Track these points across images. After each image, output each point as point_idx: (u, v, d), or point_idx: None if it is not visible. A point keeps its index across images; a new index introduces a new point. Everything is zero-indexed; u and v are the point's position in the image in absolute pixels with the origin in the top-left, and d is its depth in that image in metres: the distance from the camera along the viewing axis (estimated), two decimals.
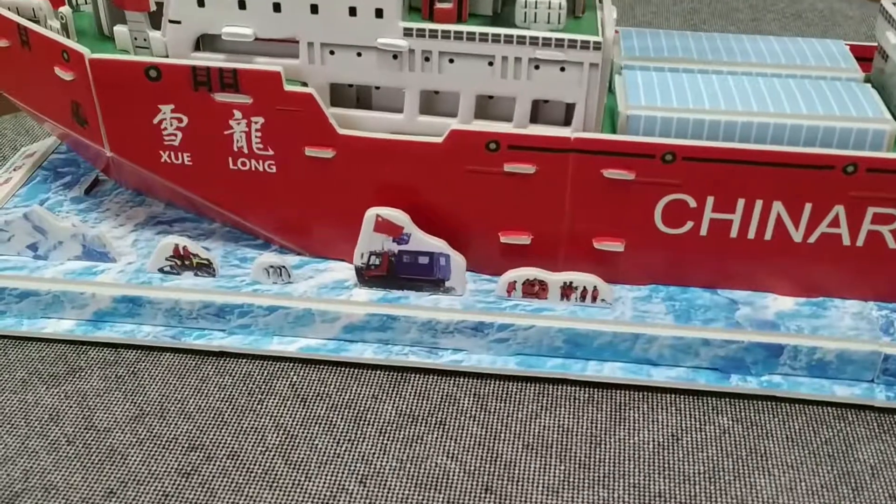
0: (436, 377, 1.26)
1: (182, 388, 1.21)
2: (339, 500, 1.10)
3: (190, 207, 1.37)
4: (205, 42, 1.15)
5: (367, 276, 1.26)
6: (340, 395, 1.23)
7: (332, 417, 1.20)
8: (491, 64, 1.14)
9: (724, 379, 1.23)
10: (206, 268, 1.28)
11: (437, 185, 1.17)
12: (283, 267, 1.27)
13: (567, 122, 1.17)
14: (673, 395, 1.24)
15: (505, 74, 1.14)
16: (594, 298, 1.24)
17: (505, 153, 1.15)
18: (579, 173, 1.17)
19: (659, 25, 2.28)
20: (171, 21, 1.13)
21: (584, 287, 1.23)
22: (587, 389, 1.25)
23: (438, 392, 1.24)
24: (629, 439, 1.18)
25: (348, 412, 1.21)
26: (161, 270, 1.29)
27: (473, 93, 1.15)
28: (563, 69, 1.15)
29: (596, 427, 1.20)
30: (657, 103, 1.20)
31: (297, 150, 1.17)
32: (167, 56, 1.16)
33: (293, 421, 1.20)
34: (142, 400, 1.22)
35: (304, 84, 1.15)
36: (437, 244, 1.23)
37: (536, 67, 1.16)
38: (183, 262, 1.28)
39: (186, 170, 1.22)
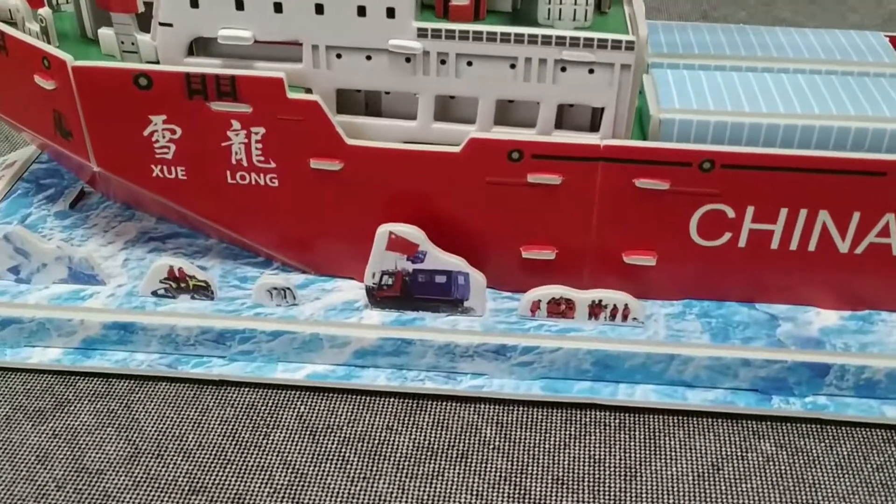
0: (455, 405, 1.17)
1: (180, 422, 1.13)
2: None
3: (184, 222, 1.27)
4: (199, 46, 1.06)
5: (378, 297, 1.16)
6: (352, 426, 1.14)
7: (345, 452, 1.11)
8: (513, 66, 1.04)
9: (765, 401, 1.14)
10: (203, 290, 1.18)
11: (455, 198, 1.10)
12: (288, 288, 1.17)
13: (593, 127, 1.08)
14: (711, 420, 1.15)
15: (528, 77, 1.04)
16: (625, 317, 1.15)
17: (529, 163, 1.07)
18: (609, 183, 1.09)
19: (667, 11, 2.18)
20: (161, 24, 1.03)
21: (615, 305, 1.14)
22: (618, 415, 1.16)
23: (458, 421, 1.15)
24: (666, 470, 1.09)
25: (362, 446, 1.12)
26: (155, 294, 1.19)
27: (493, 98, 1.06)
28: (591, 71, 1.06)
29: (630, 457, 1.11)
30: (692, 105, 1.10)
31: (301, 162, 1.09)
32: (158, 62, 1.07)
33: (302, 457, 1.10)
34: (137, 437, 1.12)
35: (309, 90, 1.07)
36: (454, 262, 1.13)
37: (563, 69, 1.06)
38: (178, 285, 1.18)
39: (180, 185, 1.12)
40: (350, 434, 1.13)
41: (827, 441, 1.13)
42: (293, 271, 1.22)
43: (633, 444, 1.13)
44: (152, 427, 1.14)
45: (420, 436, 1.13)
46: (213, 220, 1.18)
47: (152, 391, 1.16)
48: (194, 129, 1.07)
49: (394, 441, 1.12)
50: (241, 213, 1.14)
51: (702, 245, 1.14)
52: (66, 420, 1.12)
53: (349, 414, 1.16)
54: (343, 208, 1.12)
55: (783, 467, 1.10)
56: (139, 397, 1.15)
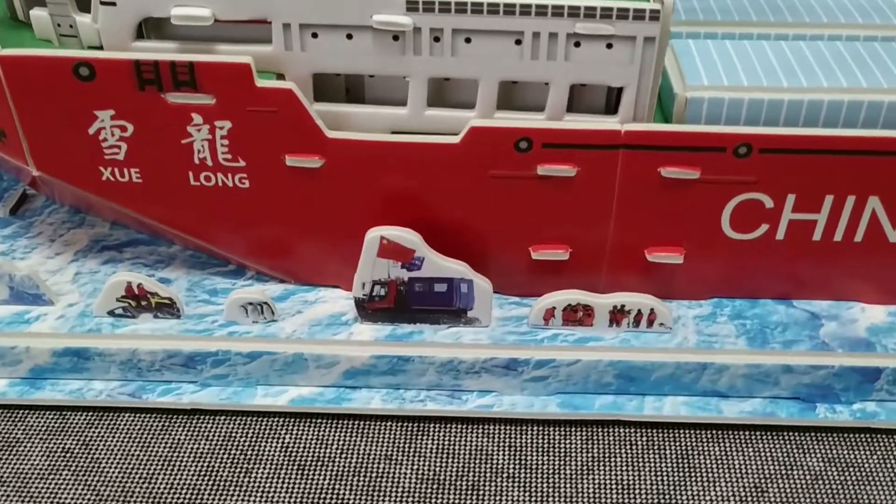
0: (461, 427, 1.04)
1: (147, 460, 1.01)
2: None
3: (142, 228, 1.12)
4: (149, 28, 0.94)
5: (370, 310, 1.02)
6: (346, 457, 1.00)
7: (339, 489, 0.98)
8: (519, 43, 0.90)
9: (808, 410, 1.02)
10: (167, 308, 1.04)
11: (454, 196, 0.99)
12: (265, 303, 1.03)
13: (609, 109, 0.98)
14: (749, 434, 1.03)
15: (537, 55, 0.91)
16: (650, 323, 1.02)
17: (539, 153, 0.95)
18: (631, 173, 0.96)
19: None
20: (103, 2, 0.87)
21: (639, 310, 1.01)
22: (646, 432, 1.03)
23: (466, 446, 1.02)
24: (705, 494, 0.97)
25: (357, 480, 0.98)
26: (112, 314, 1.04)
27: (496, 79, 0.93)
28: (610, 46, 0.91)
29: (662, 480, 0.99)
30: (722, 81, 0.97)
31: (275, 159, 0.97)
32: (101, 47, 0.93)
33: (290, 496, 0.97)
34: (97, 481, 0.98)
35: (281, 76, 0.95)
36: (456, 268, 0.99)
37: (577, 45, 0.92)
38: (138, 303, 1.03)
39: (135, 189, 0.99)
40: (343, 467, 1.00)
41: (880, 453, 1.01)
42: (270, 280, 1.09)
43: (664, 464, 1.00)
44: (115, 468, 0.99)
45: (423, 465, 1.00)
46: (175, 227, 1.04)
47: (113, 425, 1.04)
48: (148, 126, 0.95)
49: (394, 473, 0.99)
50: (208, 220, 1.03)
51: (734, 238, 1.01)
52: (14, 463, 1.00)
53: (341, 443, 1.02)
54: (325, 211, 1.01)
55: (833, 485, 0.98)
56: (98, 432, 1.03)
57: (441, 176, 0.97)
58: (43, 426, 1.04)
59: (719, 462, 1.01)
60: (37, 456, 1.01)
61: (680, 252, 1.02)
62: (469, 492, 0.98)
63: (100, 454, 1.01)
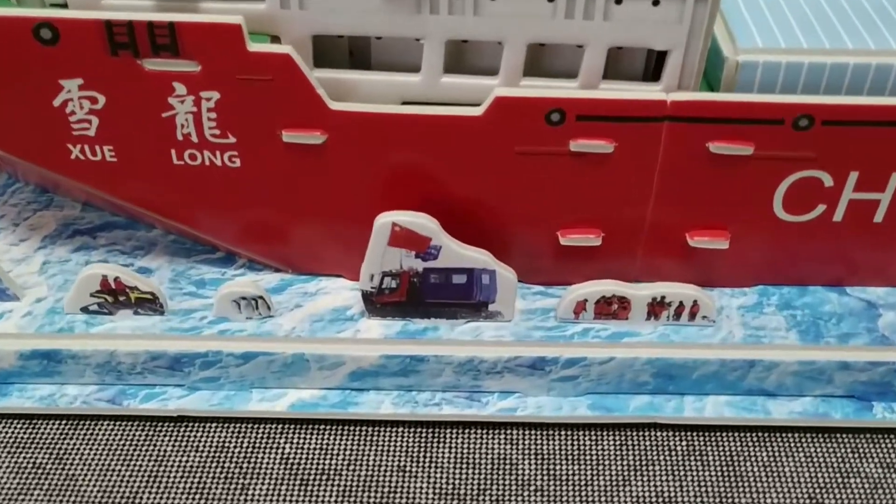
0: (481, 433, 0.94)
1: (130, 475, 0.91)
2: None
3: (119, 211, 0.99)
4: None
5: (379, 304, 0.91)
6: (353, 469, 0.90)
7: None
8: (551, 0, 0.77)
9: (864, 411, 0.93)
10: (149, 303, 0.92)
11: (475, 176, 0.89)
12: (259, 297, 0.91)
13: (649, 76, 0.88)
14: (799, 436, 0.94)
15: (571, 13, 0.81)
16: (692, 315, 0.91)
17: (572, 126, 0.85)
18: (676, 149, 0.87)
19: None
20: None
21: (681, 302, 0.90)
22: (686, 436, 0.94)
23: (487, 454, 0.92)
24: None
25: (367, 496, 0.88)
26: (85, 310, 0.92)
27: (524, 41, 0.83)
28: (656, 2, 0.80)
29: (705, 490, 0.89)
30: (778, 43, 0.85)
31: (269, 135, 0.87)
32: (65, 5, 0.84)
33: None
34: (74, 500, 0.87)
35: (276, 39, 0.85)
36: (477, 257, 0.89)
37: (618, 2, 0.80)
38: (116, 298, 0.91)
39: (109, 169, 0.90)
40: (351, 480, 0.89)
41: None
42: (264, 270, 0.98)
43: (707, 472, 0.91)
44: (93, 485, 0.89)
45: (440, 477, 0.90)
46: (156, 212, 0.93)
47: (90, 435, 0.95)
48: (123, 97, 0.85)
49: (407, 486, 0.89)
50: (193, 203, 0.94)
51: (786, 220, 0.91)
52: None
53: (348, 453, 0.92)
54: (328, 193, 0.91)
55: (895, 493, 0.89)
56: (74, 444, 0.94)
57: (460, 153, 0.87)
58: (10, 438, 0.93)
59: (768, 469, 0.91)
60: (4, 473, 0.90)
61: (725, 236, 0.91)
62: None
63: (75, 469, 0.90)
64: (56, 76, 0.82)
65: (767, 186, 0.88)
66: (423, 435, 0.94)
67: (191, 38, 0.80)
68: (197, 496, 0.88)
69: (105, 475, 0.90)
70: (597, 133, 0.85)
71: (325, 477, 0.90)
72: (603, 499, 0.89)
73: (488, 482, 0.90)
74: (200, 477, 0.90)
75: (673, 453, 0.92)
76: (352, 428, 0.94)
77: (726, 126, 0.84)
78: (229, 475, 0.90)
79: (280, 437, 0.93)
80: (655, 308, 0.91)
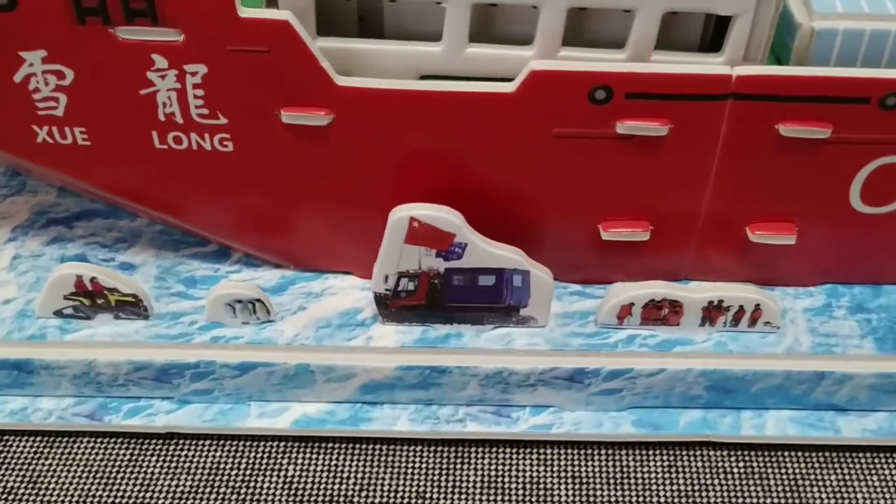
0: (511, 453, 0.86)
1: (112, 500, 0.81)
2: None
3: (97, 197, 0.87)
4: None
5: (394, 308, 0.80)
6: (366, 494, 0.82)
7: None
8: None
9: None
10: (131, 307, 0.81)
11: (506, 162, 0.79)
12: (257, 300, 0.80)
13: (706, 47, 0.77)
14: (872, 457, 0.84)
15: None
16: (753, 321, 0.80)
17: (621, 105, 0.75)
18: (740, 131, 0.76)
19: None
20: None
21: (741, 306, 0.79)
22: (744, 456, 0.85)
23: (518, 477, 0.82)
24: None
25: None
26: (59, 314, 0.81)
27: (564, 5, 0.70)
28: None
29: None
30: (861, 7, 0.74)
31: (266, 114, 0.77)
32: None
33: None
34: None
35: (273, 4, 0.76)
36: (508, 256, 0.78)
37: None
38: (94, 301, 0.80)
39: (82, 154, 0.80)
40: None
41: None
42: (263, 266, 0.87)
43: (768, 497, 0.81)
44: None
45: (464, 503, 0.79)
46: (137, 202, 0.82)
47: (68, 455, 0.85)
48: (94, 72, 0.74)
49: None
50: (180, 192, 0.84)
51: (863, 212, 0.81)
52: None
53: (360, 476, 0.83)
54: (335, 181, 0.81)
55: None
56: (48, 465, 0.84)
57: (489, 136, 0.77)
58: None
59: (837, 494, 0.82)
60: None
61: (791, 230, 0.81)
62: None
63: (50, 494, 0.82)
64: (16, 47, 0.73)
65: (844, 174, 0.78)
66: (445, 455, 0.84)
67: (171, 1, 0.68)
68: None
69: (84, 501, 0.80)
70: (648, 113, 0.74)
71: (332, 502, 0.79)
72: None
73: None
74: (192, 502, 0.79)
75: (729, 476, 0.83)
76: (364, 447, 0.84)
77: (800, 105, 0.73)
78: (224, 501, 0.80)
79: (282, 458, 0.83)
80: (711, 313, 0.80)
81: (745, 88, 0.72)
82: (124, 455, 0.83)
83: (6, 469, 0.82)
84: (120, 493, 0.81)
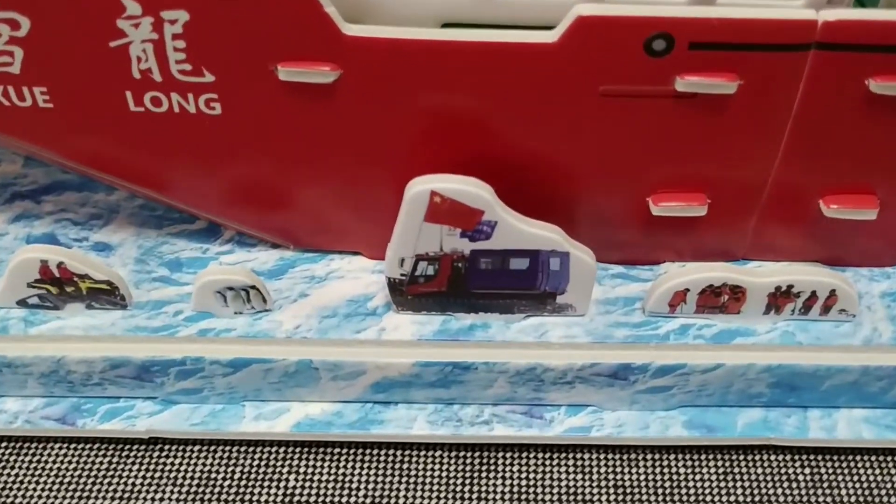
0: (544, 458, 0.76)
1: None
2: None
3: (68, 168, 0.76)
4: None
5: (410, 294, 0.69)
6: None
7: None
8: None
9: None
10: (105, 295, 0.70)
11: (544, 125, 0.67)
12: (252, 287, 0.69)
13: None
14: None
15: None
16: (825, 309, 0.69)
17: (683, 57, 0.62)
18: (823, 87, 0.64)
19: None
20: None
21: (813, 292, 0.68)
22: (812, 461, 0.76)
23: (552, 486, 0.73)
24: None
25: None
26: (24, 304, 0.71)
27: None
28: None
29: None
30: None
31: (260, 70, 0.65)
32: None
33: None
34: None
35: None
36: (545, 235, 0.67)
37: None
38: (62, 289, 0.69)
39: (44, 118, 0.68)
40: None
41: None
42: (258, 245, 0.76)
43: None
44: None
45: None
46: (110, 173, 0.70)
47: (37, 462, 0.75)
48: (54, 21, 0.63)
49: None
50: (160, 162, 0.71)
51: None
52: None
53: (371, 486, 0.73)
54: (341, 147, 0.69)
55: None
56: (15, 474, 0.75)
57: (524, 95, 0.65)
58: None
59: None
60: None
61: (873, 203, 0.70)
62: None
63: None
64: None
65: None
66: (469, 462, 0.74)
67: None
68: None
69: None
70: (716, 66, 0.62)
71: None
72: None
73: None
74: None
75: (794, 485, 0.73)
76: (375, 453, 0.74)
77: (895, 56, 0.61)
78: None
79: (282, 466, 0.74)
80: (778, 299, 0.70)
81: (832, 36, 0.60)
82: (101, 463, 0.74)
83: None
84: None
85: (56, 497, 0.71)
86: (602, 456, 0.74)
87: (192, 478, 0.73)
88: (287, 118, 0.67)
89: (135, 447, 0.74)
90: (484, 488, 0.72)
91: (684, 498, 0.71)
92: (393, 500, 0.71)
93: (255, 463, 0.73)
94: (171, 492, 0.72)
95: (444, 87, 0.65)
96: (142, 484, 0.72)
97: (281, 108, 0.66)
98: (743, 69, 0.63)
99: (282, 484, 0.72)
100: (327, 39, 0.63)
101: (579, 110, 0.65)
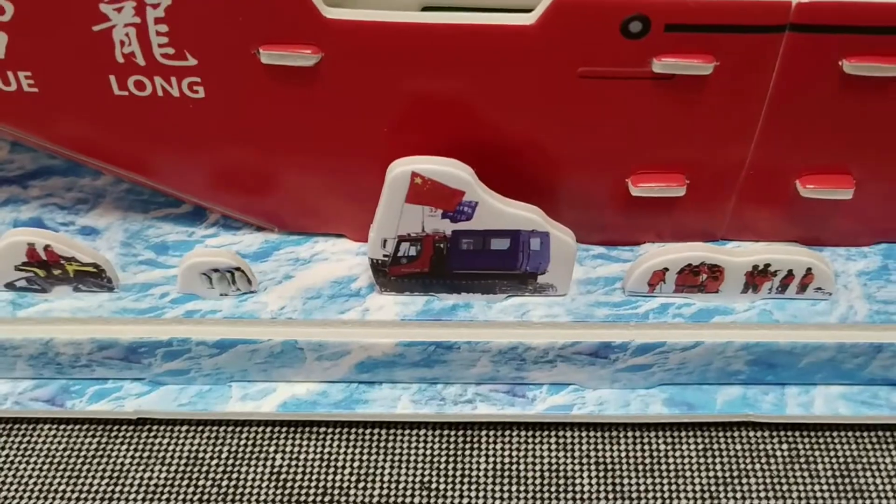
0: (527, 437, 0.77)
1: (77, 493, 0.72)
2: None
3: (55, 152, 0.76)
4: None
5: (393, 275, 0.70)
6: (363, 486, 0.72)
7: None
8: None
9: None
10: (92, 277, 0.70)
11: (523, 107, 0.68)
12: (236, 268, 0.70)
13: None
14: None
15: None
16: (803, 287, 0.70)
17: (659, 39, 0.63)
18: (797, 68, 0.65)
19: None
20: None
21: (790, 271, 0.69)
22: (789, 437, 0.77)
23: (535, 463, 0.74)
24: None
25: None
26: (11, 287, 0.71)
27: None
28: None
29: None
30: None
31: (243, 53, 0.65)
32: None
33: None
34: None
35: None
36: (525, 216, 0.68)
37: None
38: (49, 272, 0.70)
39: (29, 102, 0.69)
40: (361, 501, 0.72)
41: None
42: (243, 229, 0.77)
43: (816, 484, 0.73)
44: None
45: (477, 496, 0.72)
46: (96, 157, 0.71)
47: (26, 444, 0.76)
48: (38, 4, 0.63)
49: None
50: (144, 146, 0.72)
51: None
52: None
53: (356, 465, 0.74)
54: (323, 130, 0.70)
55: None
56: (5, 455, 0.75)
57: (503, 77, 0.66)
58: None
59: (892, 478, 0.74)
60: None
61: (849, 183, 0.70)
62: None
63: (8, 488, 0.73)
64: None
65: None
66: (452, 440, 0.75)
67: None
68: None
69: (45, 496, 0.72)
70: (692, 48, 0.63)
71: (327, 497, 0.71)
72: None
73: (537, 501, 0.70)
74: (167, 498, 0.71)
75: (772, 460, 0.74)
76: (360, 432, 0.75)
77: (869, 37, 0.62)
78: (204, 495, 0.71)
79: (269, 446, 0.74)
80: (756, 278, 0.70)
81: (806, 18, 0.61)
82: (90, 444, 0.74)
83: None
84: (86, 487, 0.71)
85: (46, 477, 0.72)
86: (584, 433, 0.75)
87: (179, 457, 0.73)
88: (270, 101, 0.67)
89: (123, 427, 0.75)
90: (468, 466, 0.73)
91: (664, 474, 0.73)
92: (378, 478, 0.72)
93: (242, 442, 0.74)
94: (160, 471, 0.73)
95: (424, 70, 0.65)
96: (130, 463, 0.73)
97: (264, 91, 0.66)
98: (718, 51, 0.63)
99: (268, 463, 0.73)
100: (309, 23, 0.63)
101: (558, 92, 0.65)
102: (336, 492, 0.71)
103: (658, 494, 0.71)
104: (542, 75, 0.65)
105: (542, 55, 0.64)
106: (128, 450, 0.73)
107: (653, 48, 0.63)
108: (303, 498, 0.70)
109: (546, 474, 0.72)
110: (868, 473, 0.73)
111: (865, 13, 0.62)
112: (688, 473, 0.72)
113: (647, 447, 0.74)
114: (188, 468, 0.73)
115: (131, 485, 0.71)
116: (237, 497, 0.70)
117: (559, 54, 0.64)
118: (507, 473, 0.72)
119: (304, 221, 0.77)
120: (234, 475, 0.72)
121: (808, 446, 0.74)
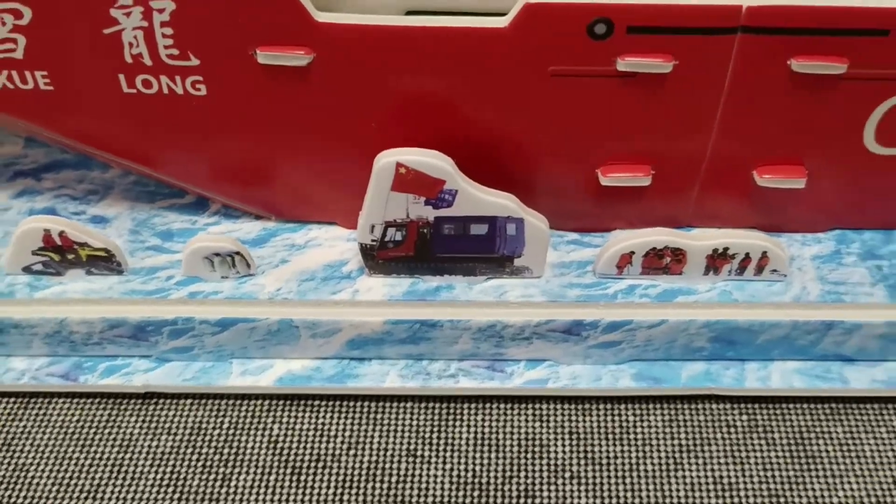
0: (506, 409, 0.82)
1: (90, 463, 0.77)
2: None
3: (66, 146, 0.82)
4: None
5: (381, 259, 0.75)
6: (354, 454, 0.77)
7: (347, 499, 0.73)
8: None
9: None
10: (103, 262, 0.76)
11: (499, 103, 0.73)
12: (237, 253, 0.75)
13: None
14: (881, 409, 0.81)
15: None
16: (759, 269, 0.76)
17: (622, 40, 0.69)
18: (749, 67, 0.70)
19: None
20: None
21: (747, 254, 0.74)
22: (749, 409, 0.81)
23: (513, 434, 0.78)
24: (829, 492, 0.75)
25: (371, 486, 0.75)
26: (28, 270, 0.77)
27: None
28: None
29: (772, 475, 0.77)
30: None
31: (241, 54, 0.71)
32: None
33: None
34: (23, 496, 0.73)
35: None
36: (501, 203, 0.73)
37: None
38: (63, 257, 0.75)
39: (44, 99, 0.75)
40: (352, 467, 0.77)
41: None
42: (242, 217, 0.83)
43: (773, 452, 0.78)
44: (45, 475, 0.77)
45: (458, 463, 0.76)
46: (106, 150, 0.76)
47: (42, 416, 0.81)
48: (53, 10, 0.68)
49: (418, 474, 0.76)
50: (151, 140, 0.78)
51: (878, 154, 0.76)
52: None
53: (347, 435, 0.79)
54: (316, 125, 0.75)
55: None
56: (23, 427, 0.80)
57: (480, 75, 0.71)
58: None
59: (844, 448, 0.78)
60: None
61: (801, 173, 0.76)
62: (520, 498, 0.73)
63: (25, 457, 0.78)
64: None
65: (859, 112, 0.72)
66: (437, 412, 0.80)
67: None
68: (169, 487, 0.75)
69: (60, 464, 0.76)
70: (652, 48, 0.68)
71: (320, 464, 0.76)
72: (650, 485, 0.75)
73: (514, 467, 0.76)
74: (173, 465, 0.76)
75: (732, 430, 0.79)
76: (351, 405, 0.80)
77: (815, 38, 0.68)
78: (207, 462, 0.76)
79: (267, 417, 0.79)
80: (716, 261, 0.76)
81: (756, 21, 0.66)
82: (101, 416, 0.79)
83: None
84: (97, 455, 0.77)
85: (61, 446, 0.78)
86: (558, 406, 0.80)
87: (184, 428, 0.79)
88: (266, 99, 0.72)
89: (132, 401, 0.80)
90: (451, 436, 0.79)
91: (633, 442, 0.78)
92: (367, 447, 0.78)
93: (243, 414, 0.80)
94: (166, 440, 0.78)
95: (408, 69, 0.70)
96: (139, 434, 0.79)
97: (261, 89, 0.72)
98: (677, 51, 0.69)
99: (266, 433, 0.79)
100: (301, 26, 0.68)
101: (531, 89, 0.71)
102: (329, 459, 0.76)
103: (626, 461, 0.76)
104: (516, 74, 0.70)
105: (516, 56, 0.69)
106: (136, 421, 0.79)
107: (617, 48, 0.69)
108: (298, 464, 0.76)
109: (523, 443, 0.78)
110: (821, 442, 0.78)
111: (811, 16, 0.67)
112: (654, 442, 0.78)
113: (616, 418, 0.79)
114: (192, 438, 0.78)
115: (139, 453, 0.77)
116: (237, 464, 0.76)
117: (531, 55, 0.69)
118: (487, 442, 0.78)
119: (298, 210, 0.82)
120: (235, 444, 0.78)
121: (765, 417, 0.79)
